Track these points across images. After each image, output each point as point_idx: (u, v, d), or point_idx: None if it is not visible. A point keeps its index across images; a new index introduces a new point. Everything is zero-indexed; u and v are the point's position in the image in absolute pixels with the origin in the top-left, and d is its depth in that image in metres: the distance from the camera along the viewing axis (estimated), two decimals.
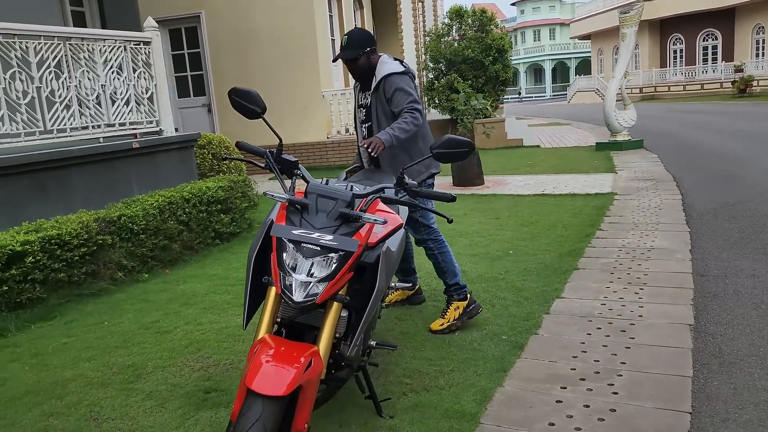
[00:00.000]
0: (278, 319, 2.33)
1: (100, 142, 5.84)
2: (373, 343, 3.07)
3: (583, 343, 3.58)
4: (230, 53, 12.24)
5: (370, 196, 2.36)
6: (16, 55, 5.12)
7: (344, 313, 2.33)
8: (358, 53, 3.59)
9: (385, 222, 2.20)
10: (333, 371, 2.57)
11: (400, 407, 2.99)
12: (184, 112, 12.74)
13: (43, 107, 5.33)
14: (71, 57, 5.57)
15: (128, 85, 6.12)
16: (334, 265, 2.11)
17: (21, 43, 5.18)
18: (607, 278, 4.70)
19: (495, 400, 2.98)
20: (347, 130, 12.52)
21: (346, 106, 12.40)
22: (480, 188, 9.23)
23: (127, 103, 6.12)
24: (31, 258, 4.37)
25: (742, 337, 3.55)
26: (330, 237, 2.11)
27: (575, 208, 7.35)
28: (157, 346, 3.92)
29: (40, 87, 5.32)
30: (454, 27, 16.47)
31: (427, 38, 16.89)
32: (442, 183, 9.86)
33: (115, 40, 6.01)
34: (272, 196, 2.23)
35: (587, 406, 2.86)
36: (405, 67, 3.73)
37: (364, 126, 3.81)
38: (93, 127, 5.79)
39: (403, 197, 2.39)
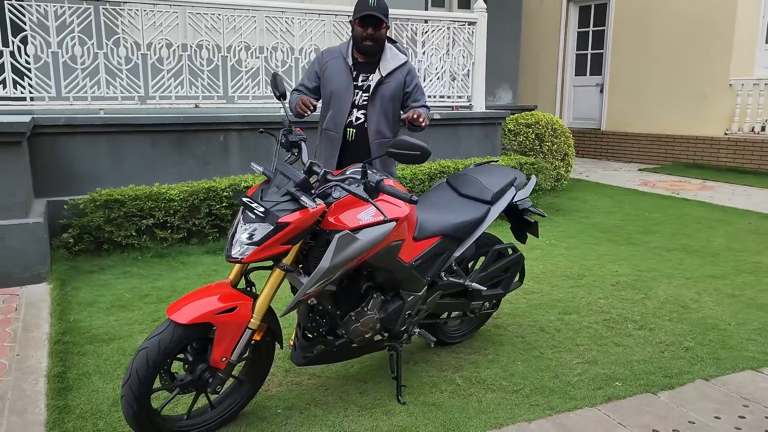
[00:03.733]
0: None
1: None
2: (416, 331, 3.15)
3: (692, 423, 2.83)
4: (633, 31, 11.64)
5: (331, 183, 2.50)
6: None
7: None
8: (387, 21, 3.31)
9: (311, 208, 2.37)
10: (318, 334, 2.83)
11: (421, 400, 3.03)
12: (577, 90, 12.78)
13: None
14: (395, 34, 6.51)
15: (444, 61, 6.78)
16: (264, 234, 2.40)
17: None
18: None
19: None
20: (753, 129, 10.64)
21: (758, 98, 10.51)
22: None
23: (440, 77, 6.81)
24: None
25: None
26: (262, 209, 2.40)
27: None
28: None
29: None
30: None
31: None
32: None
33: (440, 20, 6.70)
34: (252, 167, 2.62)
35: None
36: None
37: (359, 112, 3.43)
38: None
39: (357, 188, 2.43)
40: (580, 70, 12.73)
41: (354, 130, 3.44)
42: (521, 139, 7.93)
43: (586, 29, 12.51)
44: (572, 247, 5.78)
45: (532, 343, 3.68)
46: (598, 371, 3.34)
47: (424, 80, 6.77)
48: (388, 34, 3.45)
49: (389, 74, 3.41)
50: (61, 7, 5.20)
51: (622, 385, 3.19)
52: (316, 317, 2.81)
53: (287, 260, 2.52)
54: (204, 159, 5.74)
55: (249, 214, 2.45)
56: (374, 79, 3.40)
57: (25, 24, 5.11)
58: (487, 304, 3.53)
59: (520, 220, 3.61)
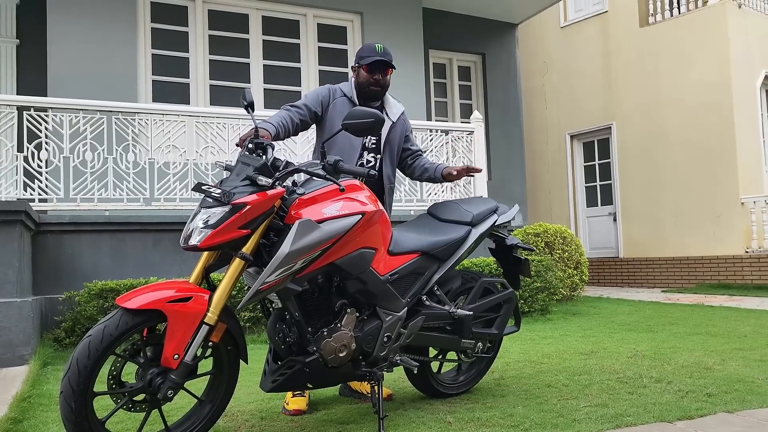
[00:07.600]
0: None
1: (411, 214, 6.76)
2: (398, 358, 2.91)
3: None
4: (638, 160, 11.91)
5: (290, 168, 2.48)
6: None
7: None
8: (393, 66, 3.31)
9: (261, 190, 2.33)
10: (288, 351, 2.63)
11: None
12: (591, 221, 12.84)
13: None
14: None
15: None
16: (220, 216, 2.32)
17: None
18: None
19: None
20: None
21: None
22: None
23: (441, 184, 6.93)
24: None
25: None
26: (218, 191, 2.35)
27: None
28: None
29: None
30: None
31: None
32: None
33: (437, 130, 6.97)
34: (217, 163, 2.61)
35: None
36: None
37: (369, 155, 3.38)
38: (406, 201, 6.77)
39: (317, 169, 2.39)
40: (591, 201, 12.87)
41: None
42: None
43: (592, 162, 12.86)
44: (588, 335, 5.45)
45: (536, 394, 3.34)
46: (607, 411, 2.98)
47: (425, 186, 6.91)
48: None
49: (396, 121, 3.43)
50: (76, 117, 5.56)
51: (633, 419, 2.83)
52: (283, 326, 2.62)
53: (247, 249, 2.41)
54: None
55: (207, 199, 2.41)
56: (385, 124, 3.24)
57: (41, 132, 5.44)
58: (480, 345, 3.27)
59: (509, 260, 3.47)
